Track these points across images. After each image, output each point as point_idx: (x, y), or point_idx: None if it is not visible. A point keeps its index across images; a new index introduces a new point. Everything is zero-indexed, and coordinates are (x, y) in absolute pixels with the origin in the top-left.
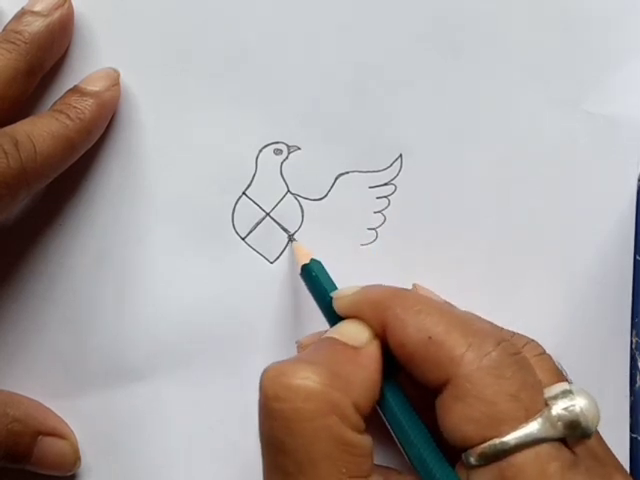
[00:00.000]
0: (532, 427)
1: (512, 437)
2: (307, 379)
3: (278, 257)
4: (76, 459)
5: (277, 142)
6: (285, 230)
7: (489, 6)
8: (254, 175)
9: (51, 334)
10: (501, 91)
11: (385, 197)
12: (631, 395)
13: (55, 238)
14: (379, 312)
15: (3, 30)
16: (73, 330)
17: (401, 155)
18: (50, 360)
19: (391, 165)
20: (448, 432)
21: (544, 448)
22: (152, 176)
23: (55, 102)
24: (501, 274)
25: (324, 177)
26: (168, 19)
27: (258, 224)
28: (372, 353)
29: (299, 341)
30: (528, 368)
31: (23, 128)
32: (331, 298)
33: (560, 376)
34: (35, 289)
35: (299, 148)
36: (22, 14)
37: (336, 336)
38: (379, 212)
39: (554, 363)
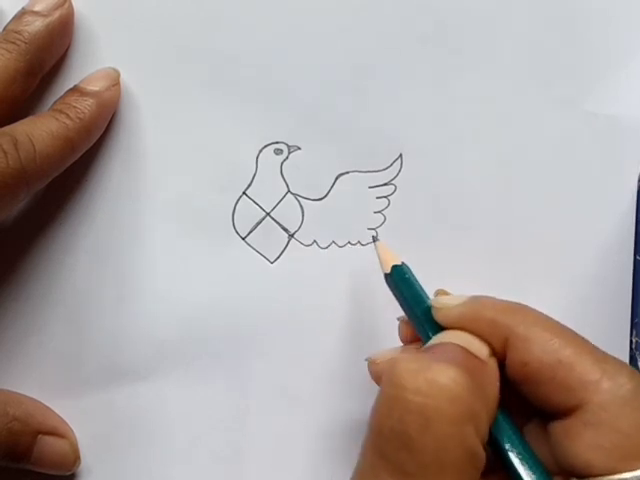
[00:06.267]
0: None
1: None
2: (453, 381)
3: (278, 257)
4: (76, 458)
5: (277, 142)
6: (285, 230)
7: (489, 6)
8: (254, 175)
9: (51, 334)
10: (501, 91)
11: (385, 197)
12: None
13: (55, 237)
14: (498, 329)
15: (3, 30)
16: (73, 330)
17: (401, 155)
18: (50, 360)
19: (391, 165)
20: (570, 457)
21: None
22: (152, 176)
23: (55, 102)
24: (501, 274)
25: (324, 177)
26: (168, 19)
27: (258, 224)
28: (495, 369)
29: (369, 358)
30: None
31: (23, 128)
32: (428, 305)
33: None
34: (35, 288)
35: (299, 148)
36: (22, 14)
37: (463, 344)
38: (379, 212)
39: None
